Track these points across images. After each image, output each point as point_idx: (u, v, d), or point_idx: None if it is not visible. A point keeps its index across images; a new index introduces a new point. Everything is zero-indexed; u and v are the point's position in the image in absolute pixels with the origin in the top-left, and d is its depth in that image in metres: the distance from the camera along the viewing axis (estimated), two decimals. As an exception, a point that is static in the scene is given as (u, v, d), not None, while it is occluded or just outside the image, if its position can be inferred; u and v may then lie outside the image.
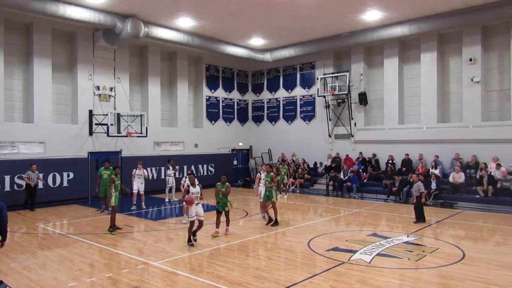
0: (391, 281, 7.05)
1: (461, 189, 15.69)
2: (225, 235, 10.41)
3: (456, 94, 17.64)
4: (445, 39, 17.93)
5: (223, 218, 10.45)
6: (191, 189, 9.61)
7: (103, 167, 14.09)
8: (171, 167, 16.63)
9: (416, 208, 12.29)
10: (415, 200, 12.37)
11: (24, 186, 14.47)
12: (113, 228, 10.90)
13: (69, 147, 16.54)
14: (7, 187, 14.53)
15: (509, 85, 16.18)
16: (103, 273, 7.54)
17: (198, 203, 9.63)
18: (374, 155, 19.47)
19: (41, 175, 14.89)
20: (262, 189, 12.37)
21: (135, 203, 14.56)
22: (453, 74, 17.84)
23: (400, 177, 16.87)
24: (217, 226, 10.37)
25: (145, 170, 14.94)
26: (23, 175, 14.34)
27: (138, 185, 14.54)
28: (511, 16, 15.45)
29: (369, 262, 8.04)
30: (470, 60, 16.71)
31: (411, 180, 16.30)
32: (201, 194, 9.77)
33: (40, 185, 15.01)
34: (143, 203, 14.69)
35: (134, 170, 14.76)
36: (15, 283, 6.96)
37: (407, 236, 10.29)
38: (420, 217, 12.19)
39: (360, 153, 19.74)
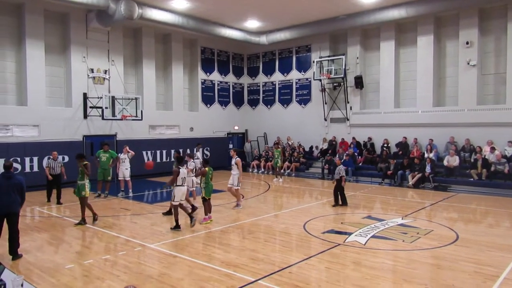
0: (386, 262, 7.15)
1: (456, 172, 15.83)
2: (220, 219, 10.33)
3: (452, 78, 17.64)
4: (442, 22, 17.83)
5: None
6: (180, 170, 9.55)
7: (102, 150, 13.94)
8: (200, 150, 16.81)
9: (336, 191, 12.10)
10: (335, 183, 12.11)
11: (49, 177, 12.59)
12: None
13: (63, 130, 16.44)
14: (1, 171, 14.41)
15: (505, 68, 16.18)
16: (100, 255, 7.58)
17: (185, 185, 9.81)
18: (370, 138, 19.53)
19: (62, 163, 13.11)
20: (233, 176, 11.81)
21: (122, 189, 13.92)
22: (449, 57, 17.79)
23: (395, 161, 16.97)
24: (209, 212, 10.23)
25: (131, 152, 14.09)
26: (44, 165, 12.71)
27: (123, 171, 13.76)
28: (509, -1, 15.38)
29: (364, 244, 8.14)
30: (467, 43, 16.67)
31: (405, 164, 16.48)
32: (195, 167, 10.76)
33: (57, 172, 12.79)
34: (130, 190, 13.97)
35: (119, 154, 14.17)
36: (12, 264, 6.98)
37: (402, 219, 10.40)
38: (343, 201, 12.08)
39: (353, 138, 19.77)
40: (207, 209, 10.16)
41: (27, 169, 15.17)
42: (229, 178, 11.88)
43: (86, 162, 9.95)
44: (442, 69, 18.03)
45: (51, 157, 12.86)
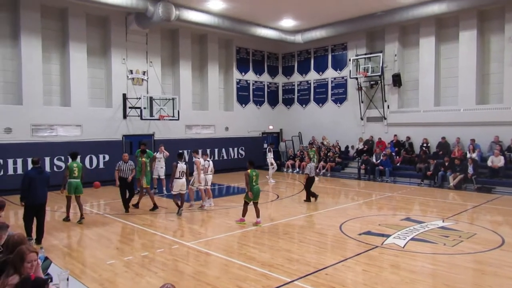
0: (426, 266, 6.93)
1: (500, 173, 15.11)
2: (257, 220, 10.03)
3: (497, 74, 16.85)
4: (486, 16, 17.07)
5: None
6: (179, 164, 10.94)
7: (139, 149, 14.26)
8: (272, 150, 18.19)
9: (307, 188, 12.92)
10: (306, 180, 12.93)
11: (117, 183, 11.41)
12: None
13: (104, 130, 17.00)
14: (47, 169, 15.05)
15: (555, 64, 15.30)
16: (139, 252, 7.78)
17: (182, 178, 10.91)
18: (408, 138, 19.00)
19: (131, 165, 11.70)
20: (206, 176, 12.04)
21: (155, 187, 14.22)
22: (493, 53, 17.01)
23: (435, 161, 16.42)
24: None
25: (165, 152, 14.34)
26: (115, 168, 11.53)
27: (158, 170, 14.05)
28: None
29: (403, 247, 7.93)
30: (513, 38, 15.88)
31: (446, 164, 15.91)
32: (187, 169, 11.16)
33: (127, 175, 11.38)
34: (164, 188, 14.34)
35: (155, 153, 14.41)
36: (57, 259, 7.28)
37: (443, 221, 10.05)
38: (309, 198, 12.92)
39: (395, 135, 19.29)
40: (244, 212, 9.92)
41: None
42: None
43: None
44: (486, 65, 17.26)
45: (123, 159, 11.50)
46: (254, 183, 9.78)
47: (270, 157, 17.99)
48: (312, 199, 12.95)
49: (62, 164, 15.21)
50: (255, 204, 9.88)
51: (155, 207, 11.60)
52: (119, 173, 11.29)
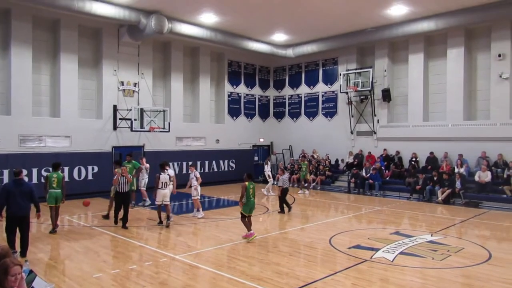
0: (414, 280, 6.95)
1: (488, 188, 15.29)
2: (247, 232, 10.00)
3: (484, 91, 17.16)
4: (473, 34, 17.46)
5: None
6: (161, 175, 11.08)
7: (126, 161, 14.22)
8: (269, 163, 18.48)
9: (281, 200, 13.23)
10: (280, 192, 13.26)
11: (112, 193, 11.61)
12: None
13: (94, 141, 16.89)
14: (34, 180, 14.88)
15: (540, 81, 15.64)
16: (127, 265, 7.68)
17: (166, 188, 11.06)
18: (398, 152, 19.17)
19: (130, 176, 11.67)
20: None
21: (133, 201, 13.73)
22: (480, 70, 17.35)
23: (424, 175, 16.57)
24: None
25: (145, 165, 14.11)
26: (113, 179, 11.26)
27: (140, 181, 13.99)
28: (543, 10, 14.93)
29: (392, 261, 7.94)
30: (499, 55, 16.22)
31: (434, 179, 16.07)
32: (170, 180, 11.28)
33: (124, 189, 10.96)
34: (144, 200, 14.24)
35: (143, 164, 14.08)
36: (43, 272, 7.17)
37: (431, 235, 10.11)
38: (282, 209, 13.21)
39: (385, 149, 19.46)
40: (248, 225, 9.69)
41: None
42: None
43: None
44: (473, 82, 17.59)
45: (121, 171, 11.01)
46: (251, 196, 9.67)
47: (267, 170, 18.20)
48: (286, 209, 13.24)
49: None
50: (249, 217, 9.76)
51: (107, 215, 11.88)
52: (116, 187, 10.94)
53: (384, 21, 17.66)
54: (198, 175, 12.60)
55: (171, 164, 19.01)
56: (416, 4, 15.57)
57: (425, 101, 18.62)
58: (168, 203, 11.29)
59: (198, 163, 19.41)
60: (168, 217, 11.19)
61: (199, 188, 12.36)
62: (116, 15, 15.62)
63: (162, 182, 11.08)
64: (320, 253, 8.69)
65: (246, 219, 9.71)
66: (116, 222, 11.09)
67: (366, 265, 7.68)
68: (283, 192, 13.23)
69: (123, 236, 9.90)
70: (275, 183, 15.87)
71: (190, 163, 16.17)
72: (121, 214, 10.93)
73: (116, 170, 11.34)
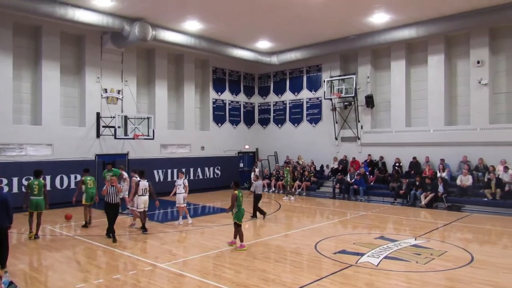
0: (399, 284, 7.01)
1: (469, 192, 15.57)
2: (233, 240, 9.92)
3: (464, 97, 17.54)
4: (453, 41, 17.86)
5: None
6: (141, 182, 11.36)
7: (106, 170, 14.02)
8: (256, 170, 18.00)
9: (254, 205, 13.38)
10: (253, 198, 13.45)
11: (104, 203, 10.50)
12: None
13: (76, 149, 16.65)
14: (15, 189, 14.58)
15: (517, 87, 16.06)
16: (111, 274, 7.56)
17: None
18: (381, 157, 19.39)
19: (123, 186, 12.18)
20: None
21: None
22: (460, 76, 17.74)
23: (407, 180, 16.78)
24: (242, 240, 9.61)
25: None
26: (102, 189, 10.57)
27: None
28: (519, 18, 15.39)
29: (377, 265, 8.00)
30: (478, 62, 16.61)
31: (417, 183, 16.30)
32: (149, 187, 11.50)
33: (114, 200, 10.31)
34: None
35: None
36: (24, 284, 7.00)
37: (415, 239, 10.23)
38: (255, 214, 13.37)
39: (369, 155, 19.67)
40: (241, 236, 9.49)
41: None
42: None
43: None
44: (453, 88, 17.96)
45: (110, 181, 10.33)
46: (241, 204, 9.62)
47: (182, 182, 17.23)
48: (260, 216, 13.32)
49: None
50: (239, 226, 9.60)
51: (86, 224, 12.00)
52: (106, 197, 10.19)
53: (367, 28, 17.94)
54: (187, 183, 12.55)
55: (156, 171, 19.02)
56: (397, 12, 15.88)
57: (407, 107, 18.93)
58: (146, 210, 11.54)
59: (184, 170, 19.20)
60: (143, 225, 11.34)
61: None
62: (99, 22, 15.50)
63: (142, 189, 11.33)
64: (306, 259, 8.71)
65: (241, 228, 9.57)
66: (108, 235, 10.38)
67: (351, 270, 7.72)
68: (256, 198, 13.32)
69: (106, 246, 9.75)
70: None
71: (183, 170, 15.75)
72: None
73: (106, 180, 11.44)
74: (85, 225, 11.95)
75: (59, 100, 16.52)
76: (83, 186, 12.11)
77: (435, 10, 15.70)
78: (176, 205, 12.50)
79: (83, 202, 12.02)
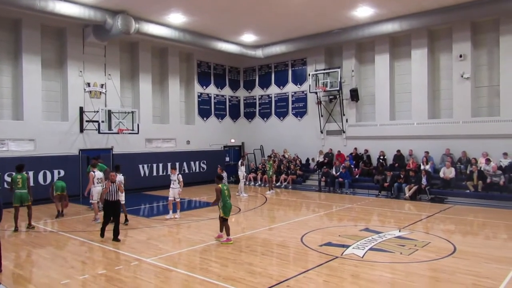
0: (384, 275, 7.12)
1: (452, 184, 15.86)
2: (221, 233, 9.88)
3: (447, 90, 17.79)
4: (435, 35, 18.07)
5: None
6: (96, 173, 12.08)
7: (90, 165, 13.86)
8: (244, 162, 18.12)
9: None
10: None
11: (103, 203, 10.11)
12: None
13: (59, 144, 16.39)
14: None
15: (498, 81, 16.36)
16: (96, 270, 7.50)
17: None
18: (366, 150, 19.58)
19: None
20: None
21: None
22: (443, 70, 17.98)
23: (391, 173, 17.00)
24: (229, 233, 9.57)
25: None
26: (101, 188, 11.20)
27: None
28: (500, 12, 15.64)
29: (362, 257, 8.11)
30: (460, 56, 16.86)
31: (403, 176, 16.50)
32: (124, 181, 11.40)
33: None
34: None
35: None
36: (8, 281, 6.89)
37: (399, 231, 10.38)
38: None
39: (355, 148, 19.84)
40: (227, 229, 9.46)
41: (23, 184, 15.04)
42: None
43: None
44: (437, 81, 18.21)
45: (110, 178, 9.88)
46: (227, 198, 9.55)
47: (242, 170, 17.82)
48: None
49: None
50: (226, 220, 9.57)
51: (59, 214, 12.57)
52: (106, 195, 9.73)
53: (351, 22, 18.02)
54: (181, 178, 12.46)
55: (141, 166, 18.86)
56: (381, 6, 15.97)
57: (391, 100, 19.12)
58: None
59: (169, 165, 19.14)
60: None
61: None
62: (81, 14, 15.20)
63: (96, 179, 12.19)
64: (292, 251, 8.77)
65: (227, 223, 9.54)
66: (102, 235, 9.86)
67: (337, 262, 7.81)
68: None
69: (92, 241, 9.65)
70: (247, 183, 15.90)
71: (176, 165, 15.19)
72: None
73: (105, 179, 11.61)
74: (16, 230, 10.71)
75: (41, 95, 16.21)
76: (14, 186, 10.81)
77: (418, 4, 15.84)
78: (169, 199, 12.40)
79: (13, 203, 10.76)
